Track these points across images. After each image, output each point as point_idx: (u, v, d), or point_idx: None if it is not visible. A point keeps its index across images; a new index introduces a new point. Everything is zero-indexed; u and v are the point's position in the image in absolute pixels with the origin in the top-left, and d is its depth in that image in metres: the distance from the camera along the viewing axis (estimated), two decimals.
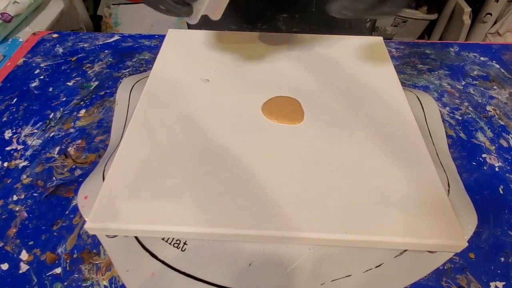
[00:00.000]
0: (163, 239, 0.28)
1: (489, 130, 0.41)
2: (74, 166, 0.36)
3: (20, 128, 0.40)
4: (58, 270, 0.28)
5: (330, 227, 0.25)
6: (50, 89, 0.45)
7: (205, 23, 0.39)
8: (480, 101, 0.45)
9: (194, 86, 0.36)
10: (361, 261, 0.27)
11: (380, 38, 0.44)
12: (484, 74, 0.49)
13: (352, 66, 0.40)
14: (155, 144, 0.30)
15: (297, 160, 0.29)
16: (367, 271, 0.27)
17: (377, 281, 0.27)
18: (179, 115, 0.33)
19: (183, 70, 0.38)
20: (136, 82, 0.44)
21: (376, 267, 0.27)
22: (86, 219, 0.29)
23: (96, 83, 0.46)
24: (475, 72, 0.49)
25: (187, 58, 0.40)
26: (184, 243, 0.28)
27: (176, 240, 0.28)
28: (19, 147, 0.38)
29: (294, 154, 0.30)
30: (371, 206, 0.26)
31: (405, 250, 0.28)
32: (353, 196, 0.27)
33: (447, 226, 0.25)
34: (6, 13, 0.60)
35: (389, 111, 0.34)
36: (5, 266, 0.28)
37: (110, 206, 0.26)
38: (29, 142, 0.38)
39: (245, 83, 0.37)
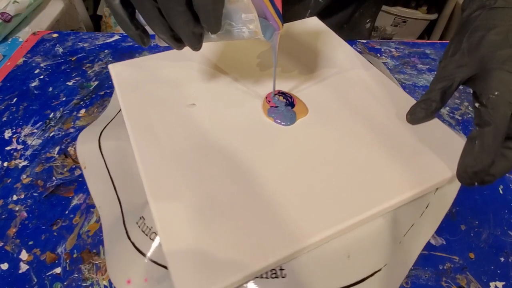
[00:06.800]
0: None
1: None
2: (74, 166, 0.36)
3: (20, 128, 0.40)
4: (58, 270, 0.28)
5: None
6: (50, 89, 0.45)
7: None
8: None
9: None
10: (402, 228, 0.29)
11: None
12: None
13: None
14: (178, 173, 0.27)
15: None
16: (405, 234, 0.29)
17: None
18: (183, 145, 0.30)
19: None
20: (103, 130, 0.36)
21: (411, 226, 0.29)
22: None
23: (96, 82, 0.46)
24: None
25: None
26: None
27: None
28: (19, 146, 0.38)
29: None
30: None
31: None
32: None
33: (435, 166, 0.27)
34: (6, 13, 0.60)
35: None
36: (5, 266, 0.28)
37: (192, 271, 0.22)
38: (29, 142, 0.38)
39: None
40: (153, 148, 0.29)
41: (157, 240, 0.26)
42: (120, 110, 0.37)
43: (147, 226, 0.27)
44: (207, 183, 0.26)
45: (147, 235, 0.26)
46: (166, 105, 0.33)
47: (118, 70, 0.36)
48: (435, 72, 0.30)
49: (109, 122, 0.37)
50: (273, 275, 0.24)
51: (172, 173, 0.27)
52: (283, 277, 0.24)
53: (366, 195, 0.26)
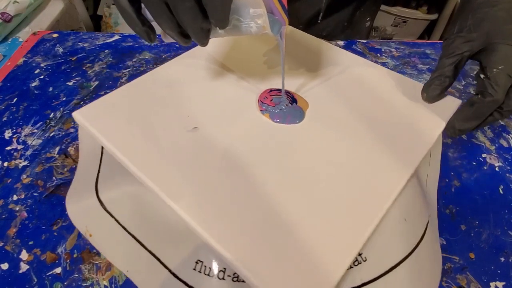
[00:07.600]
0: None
1: (489, 130, 0.41)
2: (74, 166, 0.36)
3: (20, 128, 0.40)
4: (58, 270, 0.28)
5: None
6: (50, 89, 0.45)
7: None
8: None
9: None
10: (423, 180, 0.32)
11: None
12: None
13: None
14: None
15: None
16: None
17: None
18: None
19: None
20: (96, 184, 0.31)
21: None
22: None
23: (96, 82, 0.46)
24: (475, 72, 0.49)
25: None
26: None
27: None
28: (19, 147, 0.38)
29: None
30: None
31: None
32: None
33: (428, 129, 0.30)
34: (6, 13, 0.60)
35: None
36: (5, 266, 0.28)
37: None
38: (29, 142, 0.38)
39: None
40: (164, 169, 0.27)
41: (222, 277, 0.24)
42: (101, 156, 0.33)
43: (208, 267, 0.24)
44: (227, 189, 0.26)
45: (211, 276, 0.24)
46: (163, 128, 0.30)
47: (87, 115, 0.31)
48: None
49: (98, 174, 0.32)
50: (356, 263, 0.25)
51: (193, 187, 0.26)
52: (365, 261, 0.25)
53: (398, 165, 0.28)
